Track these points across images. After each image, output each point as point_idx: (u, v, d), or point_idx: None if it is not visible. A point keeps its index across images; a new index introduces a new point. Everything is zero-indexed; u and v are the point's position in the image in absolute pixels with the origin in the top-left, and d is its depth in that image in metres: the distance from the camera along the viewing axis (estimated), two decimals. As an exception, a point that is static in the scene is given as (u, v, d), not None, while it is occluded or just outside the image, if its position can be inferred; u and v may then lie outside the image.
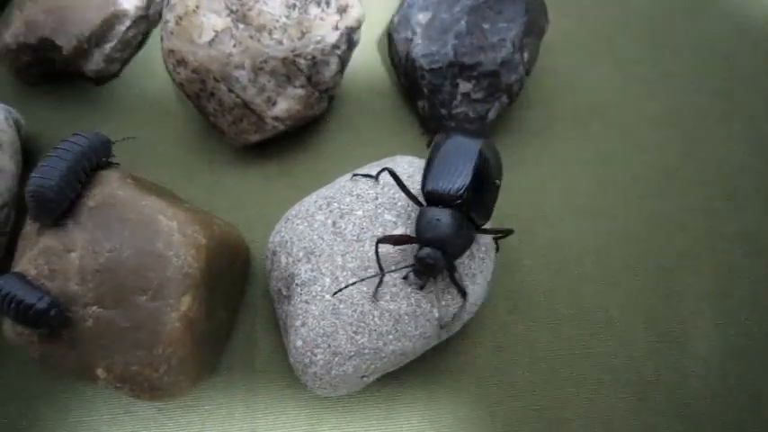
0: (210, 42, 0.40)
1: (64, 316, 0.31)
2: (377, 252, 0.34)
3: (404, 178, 0.37)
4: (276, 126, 0.42)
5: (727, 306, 0.40)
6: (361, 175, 0.37)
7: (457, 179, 0.33)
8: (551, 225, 0.42)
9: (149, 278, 0.32)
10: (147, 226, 0.33)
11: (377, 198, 0.36)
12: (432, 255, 0.32)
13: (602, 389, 0.39)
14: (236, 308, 0.41)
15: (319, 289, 0.35)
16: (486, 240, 0.37)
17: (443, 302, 0.35)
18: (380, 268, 0.34)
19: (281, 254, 0.37)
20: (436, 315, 0.35)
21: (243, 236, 0.42)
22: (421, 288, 0.34)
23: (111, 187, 0.35)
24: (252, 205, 0.44)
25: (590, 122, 0.44)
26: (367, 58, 0.47)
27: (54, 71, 0.47)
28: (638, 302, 0.40)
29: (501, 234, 0.36)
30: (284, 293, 0.37)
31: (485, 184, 0.33)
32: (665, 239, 0.41)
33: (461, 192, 0.32)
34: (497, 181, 0.34)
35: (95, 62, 0.46)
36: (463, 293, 0.34)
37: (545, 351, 0.40)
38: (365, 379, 0.36)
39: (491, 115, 0.42)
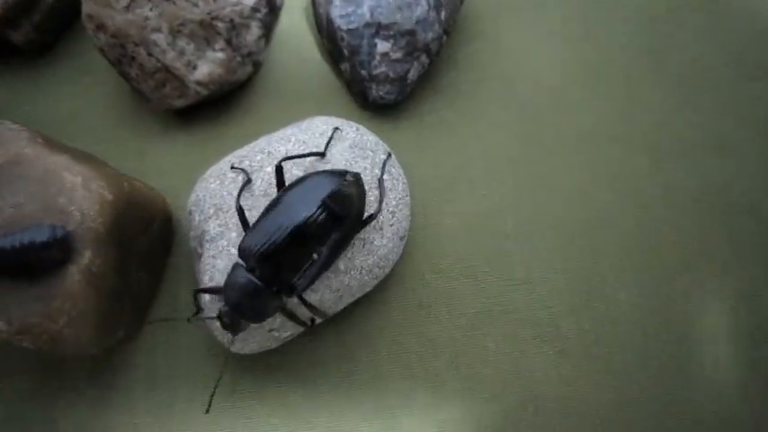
0: (128, 6, 0.40)
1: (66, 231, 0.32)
2: (194, 297, 0.35)
3: (316, 136, 0.37)
4: (199, 91, 0.42)
5: (644, 259, 0.40)
6: (299, 156, 0.35)
7: (264, 243, 0.31)
8: (473, 185, 0.42)
9: (51, 232, 0.32)
10: (50, 182, 0.34)
11: (287, 154, 0.36)
12: (228, 316, 0.31)
13: (523, 344, 0.39)
14: (159, 270, 0.41)
15: (225, 243, 0.35)
16: (400, 195, 0.37)
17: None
18: (198, 309, 0.35)
19: (196, 213, 0.37)
20: (341, 267, 0.35)
21: (166, 200, 0.42)
22: (233, 335, 0.32)
23: (18, 146, 0.35)
24: (179, 171, 0.44)
25: (514, 85, 0.44)
26: (295, 24, 0.47)
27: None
28: (559, 259, 0.40)
29: (312, 311, 0.34)
30: (198, 251, 0.37)
31: (307, 251, 0.31)
32: (586, 197, 0.41)
33: (259, 257, 0.31)
34: (315, 255, 0.31)
35: (24, 32, 0.46)
36: (305, 324, 0.34)
37: (466, 308, 0.40)
38: (275, 333, 0.36)
39: (411, 75, 0.42)
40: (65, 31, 0.49)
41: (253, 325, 0.34)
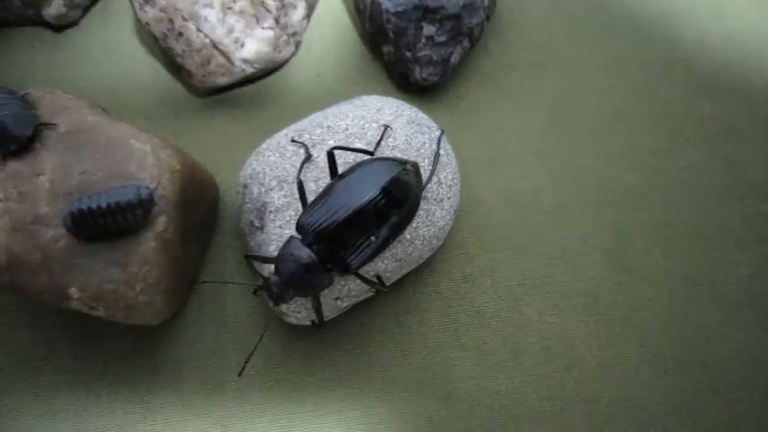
0: (178, -19, 0.40)
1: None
2: (248, 263, 0.35)
3: (372, 112, 0.38)
4: (244, 69, 0.43)
5: (672, 236, 0.43)
6: (350, 149, 0.35)
7: (325, 220, 0.32)
8: (510, 164, 0.44)
9: (123, 199, 0.32)
10: (119, 149, 0.33)
11: (347, 129, 0.37)
12: (277, 285, 0.32)
13: (563, 314, 0.41)
14: (205, 245, 0.41)
15: (293, 213, 0.36)
16: (453, 168, 0.39)
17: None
18: (262, 277, 0.35)
19: (253, 185, 0.38)
20: (407, 236, 0.36)
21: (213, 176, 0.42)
22: (275, 306, 0.33)
23: (80, 114, 0.34)
24: (219, 150, 0.44)
25: (545, 70, 0.47)
26: (331, 7, 0.48)
27: (11, 16, 0.46)
28: (593, 234, 0.43)
29: (375, 286, 0.35)
30: (256, 224, 0.37)
31: (365, 232, 0.32)
32: (616, 176, 0.44)
33: (318, 234, 0.32)
34: (373, 237, 0.32)
35: (56, 6, 0.45)
36: (317, 326, 0.35)
37: (508, 280, 0.41)
38: (338, 302, 0.37)
39: (453, 59, 0.44)
40: (89, 6, 0.49)
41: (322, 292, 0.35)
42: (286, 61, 0.45)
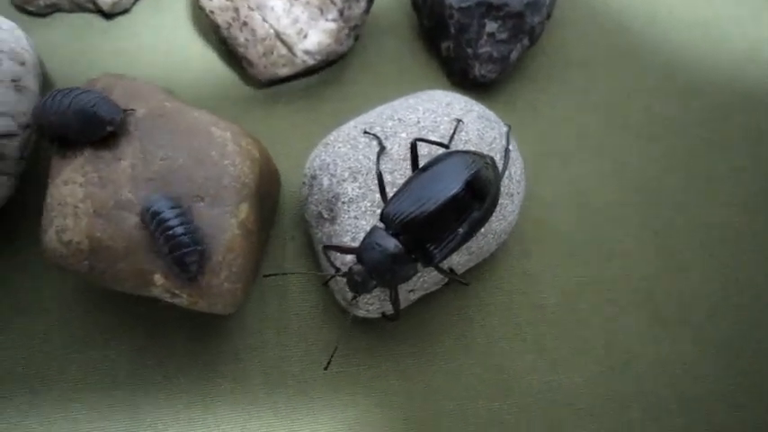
0: (246, -30, 0.40)
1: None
2: (325, 254, 0.35)
3: (443, 106, 0.38)
4: (305, 60, 0.42)
5: (725, 236, 0.44)
6: (434, 142, 0.36)
7: (413, 211, 0.32)
8: (564, 162, 0.45)
9: (205, 186, 0.32)
10: (199, 135, 0.33)
11: (419, 122, 0.37)
12: (360, 274, 0.32)
13: (619, 311, 0.41)
14: (266, 237, 0.41)
15: (369, 204, 0.36)
16: (520, 164, 0.39)
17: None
18: (335, 268, 0.35)
19: (323, 176, 0.37)
20: (482, 230, 0.37)
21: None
22: (352, 299, 0.34)
23: (156, 99, 0.34)
24: (277, 141, 0.44)
25: (598, 69, 0.47)
26: (387, 1, 0.48)
27: (63, 2, 0.45)
28: (646, 233, 0.43)
29: (455, 279, 0.35)
30: (325, 216, 0.37)
31: (449, 225, 0.32)
32: (670, 175, 0.45)
33: (404, 225, 0.31)
34: (460, 230, 0.32)
35: (111, -8, 0.44)
36: (392, 317, 0.35)
37: (567, 277, 0.42)
38: (411, 294, 0.37)
39: (513, 57, 0.44)
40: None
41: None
42: (344, 54, 0.45)
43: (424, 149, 0.36)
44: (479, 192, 0.33)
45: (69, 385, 0.38)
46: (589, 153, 0.45)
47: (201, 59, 0.46)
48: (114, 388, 0.38)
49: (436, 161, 0.34)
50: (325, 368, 0.34)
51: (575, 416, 0.39)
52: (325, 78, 0.46)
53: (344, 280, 0.36)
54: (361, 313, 0.37)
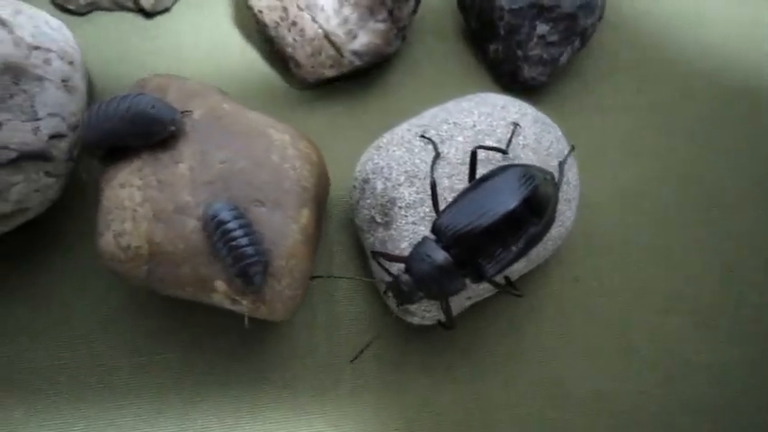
0: (297, -31, 0.39)
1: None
2: (376, 260, 0.35)
3: (498, 109, 0.38)
4: (353, 61, 0.42)
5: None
6: (491, 148, 0.34)
7: (467, 225, 0.31)
8: (613, 166, 0.44)
9: (266, 190, 0.31)
10: (258, 138, 0.32)
11: (475, 126, 0.37)
12: (407, 284, 0.31)
13: (671, 317, 0.41)
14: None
15: (427, 210, 0.35)
16: (575, 169, 0.38)
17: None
18: (390, 274, 0.34)
19: (377, 180, 0.37)
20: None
21: (320, 169, 0.41)
22: (399, 306, 0.33)
23: (213, 100, 0.33)
24: (320, 144, 0.43)
25: (647, 72, 0.47)
26: (432, 2, 0.47)
27: (104, 1, 0.44)
28: (697, 237, 0.43)
29: (509, 292, 0.34)
30: (379, 220, 0.37)
31: (504, 241, 0.31)
32: (719, 179, 0.44)
33: (457, 238, 0.31)
34: (514, 248, 0.31)
35: (154, -9, 0.44)
36: (445, 326, 0.34)
37: (616, 281, 0.41)
38: (467, 301, 0.36)
39: (563, 59, 0.43)
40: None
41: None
42: (390, 56, 0.44)
43: (480, 153, 0.36)
44: (537, 208, 0.32)
45: (116, 392, 0.37)
46: (640, 157, 0.44)
47: (243, 59, 0.45)
48: (162, 394, 0.37)
49: (494, 173, 0.33)
50: (352, 360, 0.33)
51: (629, 426, 0.38)
52: (371, 79, 0.45)
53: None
54: (416, 320, 0.36)
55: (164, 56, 0.45)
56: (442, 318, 0.36)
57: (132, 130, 0.31)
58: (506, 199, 0.31)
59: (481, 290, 0.36)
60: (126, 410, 0.37)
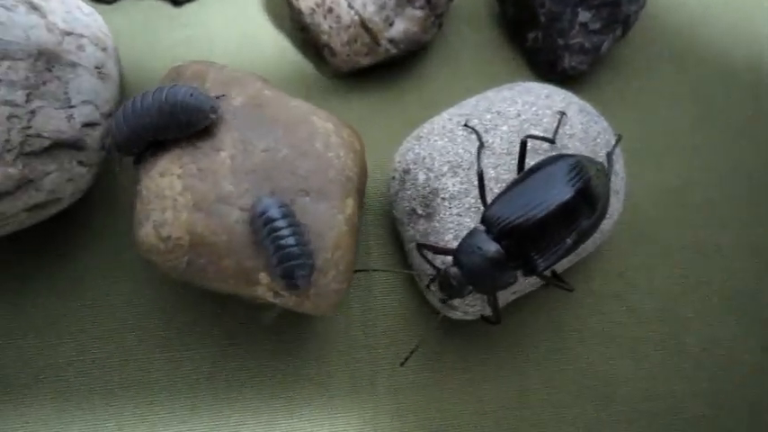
0: (334, -47, 0.38)
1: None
2: (420, 253, 0.34)
3: (542, 98, 0.36)
4: (389, 49, 0.41)
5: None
6: (539, 137, 0.34)
7: (519, 217, 0.30)
8: (655, 158, 0.43)
9: (310, 179, 0.30)
10: (301, 126, 0.31)
11: (519, 115, 0.36)
12: (456, 277, 0.30)
13: (719, 314, 0.39)
14: (353, 234, 0.39)
15: (473, 201, 0.34)
16: (622, 160, 0.37)
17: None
18: (434, 267, 0.33)
19: (418, 171, 0.36)
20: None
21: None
22: (443, 301, 0.32)
23: (254, 87, 0.32)
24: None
25: (690, 62, 0.45)
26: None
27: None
28: (745, 232, 0.41)
29: (560, 287, 0.33)
30: (420, 212, 0.35)
31: (557, 234, 0.30)
32: (763, 171, 0.43)
33: (508, 230, 0.30)
34: (568, 240, 0.30)
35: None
36: (492, 321, 0.33)
37: (662, 278, 0.40)
38: (512, 296, 0.35)
39: (604, 48, 0.42)
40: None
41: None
42: (425, 44, 0.43)
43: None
44: (590, 199, 0.31)
45: (148, 388, 0.36)
46: (679, 149, 0.43)
47: (274, 48, 0.44)
48: (195, 390, 0.36)
49: (545, 164, 0.32)
50: (402, 364, 0.32)
51: (676, 426, 0.37)
52: (404, 69, 0.44)
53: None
54: (458, 315, 0.35)
55: (194, 45, 0.44)
56: (485, 312, 0.35)
57: (172, 122, 0.30)
58: (560, 190, 0.30)
59: (526, 284, 0.35)
60: (158, 407, 0.36)
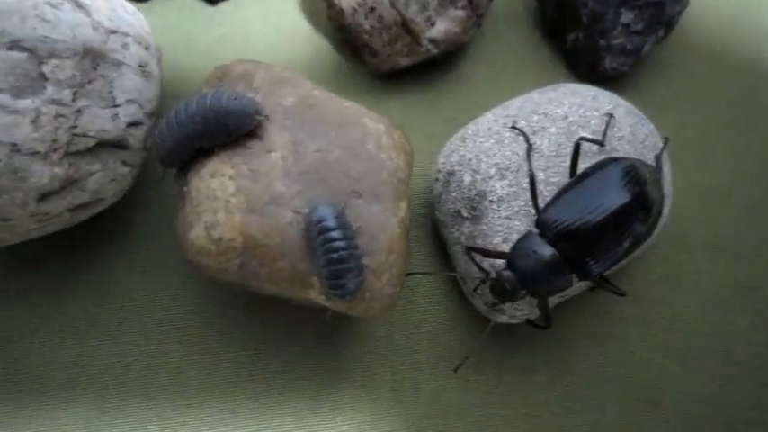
0: (377, -48, 0.38)
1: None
2: (469, 256, 0.33)
3: (588, 100, 0.36)
4: (429, 50, 0.40)
5: None
6: (590, 140, 0.33)
7: (576, 220, 0.30)
8: (696, 160, 0.42)
9: (363, 181, 0.30)
10: (352, 127, 0.31)
11: (567, 117, 0.35)
12: (511, 281, 0.30)
13: (766, 319, 0.39)
14: (394, 236, 0.38)
15: (522, 204, 0.33)
16: (668, 163, 0.37)
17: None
18: (482, 270, 0.33)
19: (464, 173, 0.35)
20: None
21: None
22: (492, 305, 0.32)
23: (305, 87, 0.32)
24: (393, 134, 0.42)
25: (730, 64, 0.45)
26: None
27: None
28: (788, 237, 0.41)
29: (613, 291, 0.33)
30: (465, 214, 0.35)
31: (612, 239, 0.30)
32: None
33: (564, 233, 0.29)
34: (625, 244, 0.30)
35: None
36: (538, 325, 0.33)
37: (706, 282, 0.40)
38: (559, 299, 0.35)
39: (646, 49, 0.41)
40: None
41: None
42: (464, 44, 0.43)
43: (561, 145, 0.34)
44: (645, 205, 0.31)
45: (189, 390, 0.36)
46: (720, 151, 0.43)
47: (310, 47, 0.44)
48: (236, 393, 0.36)
49: (598, 167, 0.31)
50: (455, 370, 0.32)
51: (725, 431, 0.36)
52: (442, 69, 0.44)
53: (487, 285, 0.34)
54: (504, 319, 0.35)
55: (229, 44, 0.43)
56: (532, 316, 0.35)
57: (218, 128, 0.29)
58: (616, 194, 0.30)
59: (576, 288, 0.35)
60: (199, 409, 0.36)
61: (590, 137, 0.34)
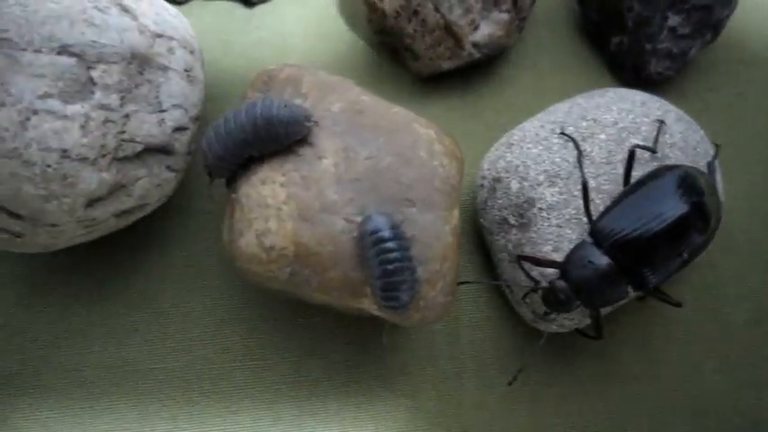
0: (422, -45, 0.37)
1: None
2: (520, 264, 0.33)
3: (638, 106, 0.35)
4: (472, 53, 0.40)
5: None
6: (642, 147, 0.33)
7: (634, 230, 0.29)
8: (742, 166, 0.41)
9: (416, 188, 0.29)
10: (403, 133, 0.30)
11: (617, 123, 0.34)
12: (565, 292, 0.29)
13: (812, 330, 0.38)
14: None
15: (573, 212, 0.33)
16: (719, 171, 0.36)
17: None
18: (533, 280, 0.33)
19: (511, 179, 0.35)
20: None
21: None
22: (544, 315, 0.31)
23: (353, 92, 0.31)
24: (434, 139, 0.41)
25: (775, 69, 0.44)
26: (546, -6, 0.45)
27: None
28: (837, 246, 0.40)
29: (665, 301, 0.32)
30: (512, 222, 0.34)
31: (670, 249, 0.29)
32: None
33: (621, 243, 0.29)
34: (685, 254, 0.29)
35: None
36: (589, 335, 0.33)
37: (753, 290, 0.39)
38: (608, 309, 0.34)
39: (692, 53, 0.41)
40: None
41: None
42: (506, 48, 0.42)
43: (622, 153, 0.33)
44: (703, 214, 0.30)
45: (230, 397, 0.36)
46: (765, 157, 0.42)
47: (350, 51, 0.43)
48: (278, 401, 0.36)
49: (653, 175, 0.31)
50: (510, 383, 0.31)
51: (773, 444, 0.36)
52: (483, 73, 0.43)
53: (537, 294, 0.34)
54: (553, 328, 0.34)
55: (267, 46, 0.43)
56: (581, 325, 0.34)
57: (269, 136, 0.29)
58: (675, 203, 0.29)
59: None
60: (240, 417, 0.35)
61: (642, 144, 0.33)
